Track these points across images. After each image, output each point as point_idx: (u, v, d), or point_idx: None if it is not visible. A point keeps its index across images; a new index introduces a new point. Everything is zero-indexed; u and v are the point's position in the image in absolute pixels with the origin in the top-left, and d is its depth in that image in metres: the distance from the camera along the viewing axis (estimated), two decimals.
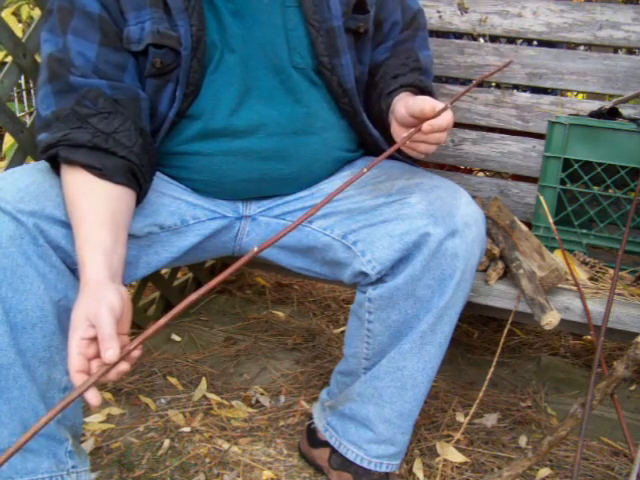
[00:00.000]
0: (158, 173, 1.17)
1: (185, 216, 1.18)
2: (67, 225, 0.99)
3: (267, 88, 1.14)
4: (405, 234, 1.06)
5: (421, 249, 1.06)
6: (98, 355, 0.79)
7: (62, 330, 1.01)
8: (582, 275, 1.31)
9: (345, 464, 1.25)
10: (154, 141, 1.14)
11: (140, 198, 1.07)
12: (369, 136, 1.26)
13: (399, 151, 1.07)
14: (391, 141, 1.10)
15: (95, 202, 0.98)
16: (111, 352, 0.76)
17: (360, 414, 1.20)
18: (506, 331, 1.24)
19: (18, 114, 2.41)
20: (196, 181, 1.19)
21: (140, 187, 1.06)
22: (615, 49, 2.15)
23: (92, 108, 1.04)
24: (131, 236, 1.08)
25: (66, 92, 1.06)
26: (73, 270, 1.02)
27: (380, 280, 1.11)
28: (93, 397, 0.75)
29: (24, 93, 3.24)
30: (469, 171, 1.87)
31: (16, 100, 3.13)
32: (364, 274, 1.11)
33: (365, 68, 1.27)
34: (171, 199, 1.17)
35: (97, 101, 1.04)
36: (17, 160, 1.40)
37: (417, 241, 1.06)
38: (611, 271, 1.34)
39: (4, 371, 0.97)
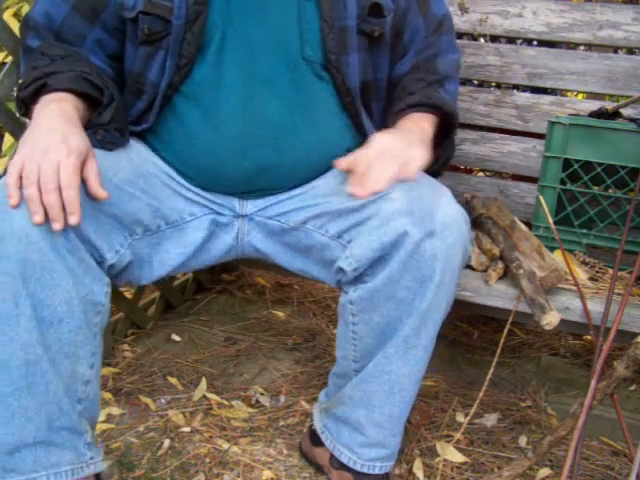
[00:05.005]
0: (161, 164, 1.20)
1: (183, 213, 1.19)
2: (95, 216, 1.02)
3: (272, 75, 1.15)
4: (383, 234, 1.05)
5: (398, 249, 1.04)
6: None
7: (88, 324, 1.03)
8: (582, 275, 1.31)
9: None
10: (147, 119, 1.19)
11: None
12: (365, 138, 1.27)
13: None
14: None
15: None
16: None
17: (352, 417, 1.20)
18: (506, 331, 1.24)
19: (18, 114, 2.40)
20: (193, 166, 1.19)
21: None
22: (615, 49, 2.15)
23: (46, 59, 1.12)
24: (146, 229, 1.13)
25: (28, 53, 1.18)
26: (99, 263, 1.04)
27: (360, 281, 1.10)
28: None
29: None
30: (469, 171, 1.87)
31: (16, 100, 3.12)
32: (342, 271, 1.10)
33: (382, 74, 1.28)
34: (171, 192, 1.19)
35: (51, 50, 1.14)
36: None
37: (394, 241, 1.04)
38: (611, 271, 1.34)
39: (32, 367, 0.98)
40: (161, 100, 1.16)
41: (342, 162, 1.10)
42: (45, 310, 0.97)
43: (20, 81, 1.13)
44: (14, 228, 0.93)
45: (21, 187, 0.93)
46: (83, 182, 0.97)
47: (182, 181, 1.21)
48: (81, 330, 1.02)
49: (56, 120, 0.99)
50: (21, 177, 0.93)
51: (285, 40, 1.15)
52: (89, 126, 1.10)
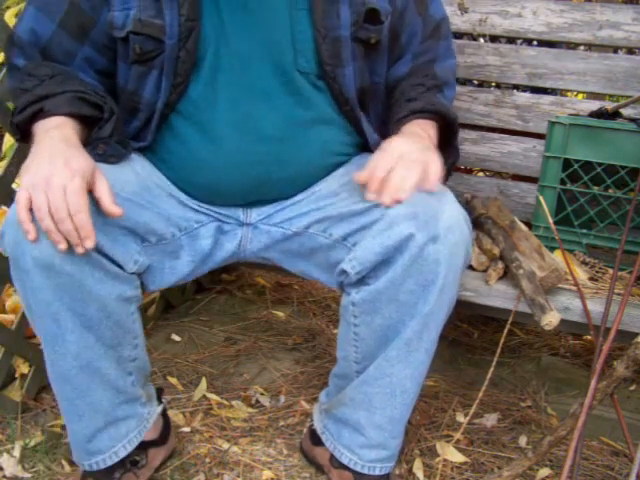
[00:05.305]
0: (164, 178, 1.19)
1: (191, 221, 1.19)
2: (109, 232, 1.03)
3: (268, 88, 1.13)
4: (387, 237, 1.04)
5: (402, 253, 1.03)
6: None
7: (125, 316, 1.09)
8: (582, 275, 1.31)
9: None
10: (144, 138, 1.18)
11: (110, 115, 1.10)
12: (366, 142, 1.26)
13: None
14: None
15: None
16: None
17: (352, 419, 1.20)
18: (506, 331, 1.24)
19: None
20: (194, 184, 1.19)
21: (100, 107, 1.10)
22: (615, 49, 2.15)
23: (35, 79, 1.10)
24: (160, 238, 1.14)
25: (14, 72, 1.16)
26: (122, 268, 1.07)
27: (363, 283, 1.10)
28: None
29: None
30: (469, 171, 1.87)
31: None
32: (345, 273, 1.10)
33: (379, 79, 1.27)
34: (177, 202, 1.19)
35: (39, 70, 1.12)
36: (17, 161, 1.39)
37: (398, 245, 1.03)
38: (611, 271, 1.34)
39: (85, 370, 1.08)
40: (158, 119, 1.15)
41: (361, 176, 1.05)
42: (83, 319, 1.04)
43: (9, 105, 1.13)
44: (36, 260, 0.97)
45: (33, 219, 0.94)
46: (96, 201, 0.97)
47: (185, 195, 1.21)
48: (119, 324, 1.09)
49: (56, 146, 0.98)
50: (31, 209, 0.93)
51: (278, 52, 1.13)
52: (89, 141, 1.09)
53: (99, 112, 1.10)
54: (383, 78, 1.28)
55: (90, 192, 0.97)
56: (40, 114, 1.06)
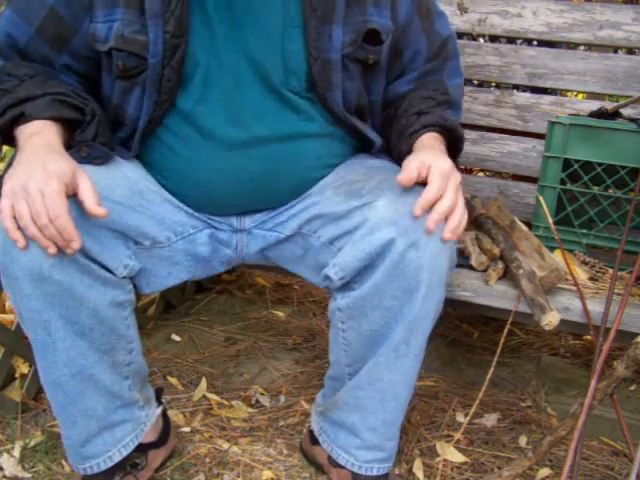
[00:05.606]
0: (158, 185, 1.17)
1: (186, 225, 1.18)
2: (97, 236, 1.01)
3: (261, 105, 1.11)
4: (368, 243, 1.03)
5: (384, 259, 1.02)
6: None
7: (119, 321, 1.08)
8: (582, 275, 1.31)
9: None
10: (129, 148, 1.15)
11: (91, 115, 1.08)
12: (364, 145, 1.25)
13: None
14: None
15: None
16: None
17: (347, 421, 1.21)
18: (506, 331, 1.24)
19: None
20: (186, 195, 1.17)
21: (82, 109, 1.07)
22: (615, 49, 2.15)
23: (14, 79, 1.08)
24: (154, 242, 1.13)
25: None
26: (112, 272, 1.06)
27: (348, 288, 1.09)
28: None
29: None
30: (469, 171, 1.87)
31: None
32: (329, 278, 1.10)
33: (376, 97, 1.24)
34: (172, 206, 1.17)
35: (18, 70, 1.09)
36: None
37: (380, 251, 1.02)
38: (611, 271, 1.33)
39: (78, 377, 1.07)
40: (141, 135, 1.12)
41: (403, 178, 1.00)
42: (76, 327, 1.03)
43: None
44: (24, 268, 0.96)
45: (19, 226, 0.93)
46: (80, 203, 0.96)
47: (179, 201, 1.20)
48: (113, 330, 1.08)
49: (36, 153, 0.96)
50: (15, 217, 0.92)
51: (267, 70, 1.09)
52: (73, 144, 1.07)
53: (81, 114, 1.07)
54: (380, 96, 1.25)
55: (76, 195, 0.96)
56: (21, 118, 1.04)
